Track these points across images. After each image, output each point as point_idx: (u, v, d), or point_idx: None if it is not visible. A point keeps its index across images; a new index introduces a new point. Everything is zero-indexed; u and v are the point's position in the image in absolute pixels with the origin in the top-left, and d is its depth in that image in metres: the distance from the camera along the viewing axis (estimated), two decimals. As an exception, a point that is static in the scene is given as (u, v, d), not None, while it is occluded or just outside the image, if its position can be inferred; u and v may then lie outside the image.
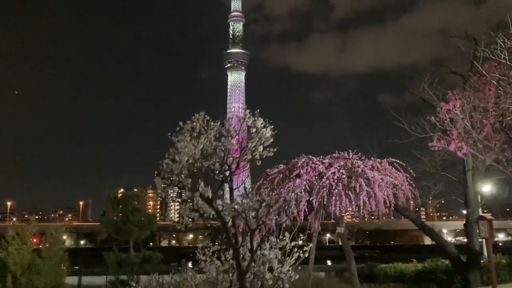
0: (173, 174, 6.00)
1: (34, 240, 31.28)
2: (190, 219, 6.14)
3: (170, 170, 5.98)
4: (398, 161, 15.63)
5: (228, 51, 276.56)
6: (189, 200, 6.06)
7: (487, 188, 25.26)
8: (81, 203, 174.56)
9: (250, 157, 6.95)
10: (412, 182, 15.77)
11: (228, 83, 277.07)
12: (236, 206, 6.41)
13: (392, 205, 17.01)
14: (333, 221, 17.51)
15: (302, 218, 14.48)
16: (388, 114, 23.81)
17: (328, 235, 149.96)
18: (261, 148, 7.34)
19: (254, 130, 7.48)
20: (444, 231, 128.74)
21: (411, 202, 15.95)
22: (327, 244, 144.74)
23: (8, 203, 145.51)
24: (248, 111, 7.46)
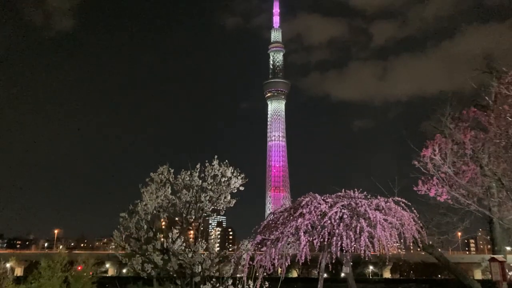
0: (129, 228, 6.47)
1: (79, 268, 32.53)
2: (146, 271, 6.52)
3: (127, 224, 6.46)
4: (404, 200, 15.42)
5: (269, 80, 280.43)
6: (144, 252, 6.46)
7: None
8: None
9: (211, 208, 7.30)
10: (420, 221, 15.49)
11: (268, 112, 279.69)
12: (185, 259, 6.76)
13: (409, 243, 16.67)
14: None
15: (303, 259, 14.47)
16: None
17: (371, 268, 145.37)
18: (228, 197, 7.69)
19: (224, 179, 7.86)
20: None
21: (419, 242, 15.62)
22: (370, 276, 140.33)
23: (56, 231, 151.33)
24: (217, 160, 7.87)
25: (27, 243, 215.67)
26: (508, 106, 10.29)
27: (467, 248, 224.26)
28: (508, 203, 10.92)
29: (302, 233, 14.40)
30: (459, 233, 27.34)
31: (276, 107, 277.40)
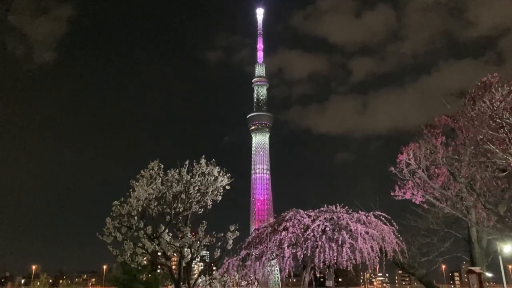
0: (122, 215, 6.82)
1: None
2: (136, 261, 6.83)
3: (119, 212, 6.82)
4: (384, 214, 15.89)
5: (253, 114, 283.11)
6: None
7: (507, 248, 24.69)
8: (104, 266, 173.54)
9: (199, 197, 7.70)
10: (399, 235, 15.93)
11: (253, 145, 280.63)
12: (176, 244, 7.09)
13: (389, 257, 17.04)
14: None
15: (287, 271, 14.72)
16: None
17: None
18: (215, 193, 8.12)
19: (212, 178, 8.31)
20: None
21: (398, 254, 16.00)
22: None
23: (33, 267, 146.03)
24: (204, 160, 8.34)
25: (2, 280, 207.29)
26: (475, 113, 11.07)
27: (451, 282, 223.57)
28: (478, 206, 11.48)
29: (286, 246, 14.71)
30: (443, 266, 27.76)
31: (260, 140, 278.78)
